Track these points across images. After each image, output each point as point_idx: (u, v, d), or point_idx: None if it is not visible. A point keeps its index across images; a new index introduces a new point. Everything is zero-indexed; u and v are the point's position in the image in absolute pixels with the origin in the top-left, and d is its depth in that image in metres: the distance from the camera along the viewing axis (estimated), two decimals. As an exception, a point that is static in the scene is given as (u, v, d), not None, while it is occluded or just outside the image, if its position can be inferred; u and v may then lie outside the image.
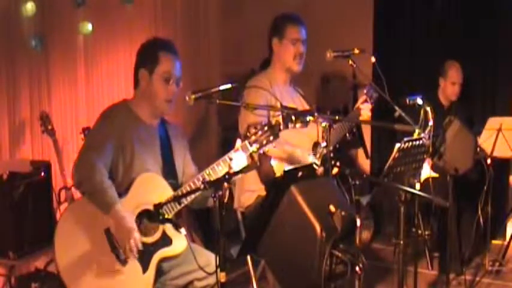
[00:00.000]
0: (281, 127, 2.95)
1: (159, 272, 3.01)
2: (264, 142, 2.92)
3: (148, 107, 3.09)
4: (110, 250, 2.86)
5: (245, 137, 2.93)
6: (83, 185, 2.88)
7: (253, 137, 2.92)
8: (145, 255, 2.91)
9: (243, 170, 2.73)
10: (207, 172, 2.97)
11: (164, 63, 3.04)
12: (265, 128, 2.92)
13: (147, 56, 3.08)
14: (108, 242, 2.86)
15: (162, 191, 2.99)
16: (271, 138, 2.92)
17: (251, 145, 2.91)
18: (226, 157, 2.96)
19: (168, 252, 2.97)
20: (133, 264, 2.88)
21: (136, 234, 2.86)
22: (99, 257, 2.84)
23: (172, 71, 3.06)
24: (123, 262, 2.86)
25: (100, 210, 2.84)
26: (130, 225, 2.85)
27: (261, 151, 2.93)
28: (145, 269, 2.90)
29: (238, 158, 2.92)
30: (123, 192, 2.94)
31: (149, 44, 3.16)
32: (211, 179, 2.83)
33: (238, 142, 2.97)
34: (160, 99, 3.05)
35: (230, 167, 2.86)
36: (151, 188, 2.98)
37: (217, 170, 2.96)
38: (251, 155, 2.90)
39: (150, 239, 2.94)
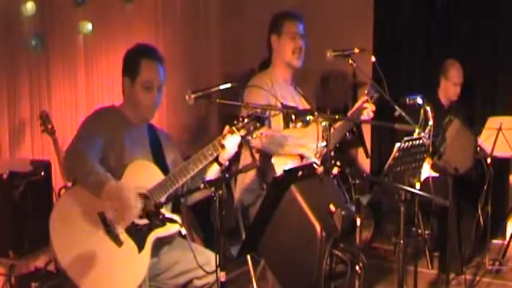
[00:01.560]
0: (269, 116, 3.01)
1: (154, 253, 3.02)
2: (251, 128, 2.99)
3: (134, 111, 3.14)
4: (105, 232, 2.86)
5: (232, 124, 2.99)
6: (75, 171, 2.88)
7: (240, 124, 2.99)
8: (140, 236, 2.93)
9: (244, 169, 2.74)
10: (197, 157, 3.00)
11: (145, 72, 3.07)
12: (253, 116, 3.00)
13: (129, 65, 3.12)
14: (103, 224, 2.86)
15: (154, 176, 3.02)
16: (258, 125, 2.98)
17: (238, 130, 2.99)
18: (216, 142, 3.00)
19: (162, 232, 2.98)
20: (129, 244, 2.90)
21: (136, 205, 2.87)
22: (95, 241, 2.84)
23: (153, 80, 3.09)
24: (119, 243, 2.87)
25: (95, 193, 2.82)
26: (128, 193, 2.83)
27: (249, 138, 2.98)
28: (141, 248, 2.92)
29: (230, 142, 2.97)
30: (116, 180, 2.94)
31: (131, 52, 3.18)
32: (201, 166, 2.93)
33: (226, 129, 3.00)
34: (142, 106, 3.10)
35: (223, 147, 2.97)
36: (143, 173, 3.01)
37: (207, 154, 3.00)
38: (243, 140, 2.96)
39: (144, 221, 2.95)
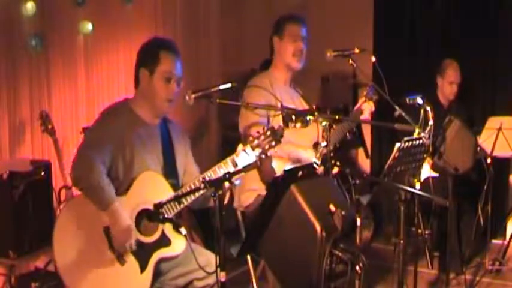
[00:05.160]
0: (283, 132, 2.95)
1: (158, 273, 3.01)
2: (266, 147, 2.92)
3: (148, 106, 3.08)
4: (108, 248, 2.86)
5: (247, 142, 2.94)
6: (81, 182, 2.87)
7: (255, 142, 2.92)
8: (143, 255, 2.91)
9: (244, 170, 2.73)
10: (208, 175, 2.96)
11: (165, 63, 3.03)
12: (268, 133, 2.92)
13: (148, 55, 3.06)
14: (107, 240, 2.85)
15: (163, 191, 2.98)
16: (273, 143, 2.92)
17: (253, 150, 2.92)
18: (228, 161, 2.96)
19: (167, 252, 2.97)
20: (132, 263, 2.88)
21: (133, 234, 2.86)
22: (98, 255, 2.84)
23: (173, 71, 3.04)
24: (122, 261, 2.86)
25: (97, 208, 2.83)
26: (127, 224, 2.85)
27: (263, 156, 2.93)
28: (143, 268, 2.90)
29: (243, 161, 2.92)
30: (123, 191, 2.94)
31: (150, 43, 3.15)
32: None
33: (240, 147, 2.96)
34: (160, 98, 3.04)
35: (236, 167, 2.90)
36: (152, 187, 2.98)
37: (219, 172, 2.95)
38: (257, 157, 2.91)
39: (149, 239, 2.94)
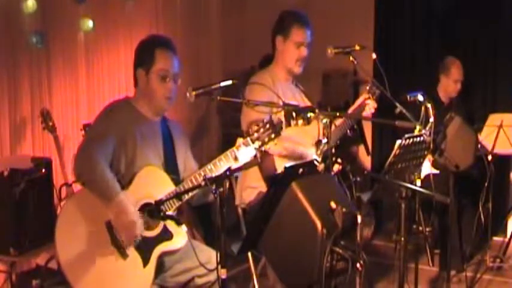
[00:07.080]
0: (283, 125, 2.95)
1: (161, 268, 3.01)
2: (266, 139, 2.92)
3: (148, 104, 3.09)
4: (111, 243, 2.86)
5: (247, 134, 2.93)
6: (84, 175, 2.87)
7: (255, 134, 2.93)
8: (146, 249, 2.91)
9: (244, 167, 2.73)
10: (209, 168, 2.97)
11: (160, 61, 3.04)
12: (267, 126, 2.92)
13: (144, 55, 3.08)
14: (109, 234, 2.85)
15: (164, 185, 2.99)
16: (273, 135, 2.92)
17: (253, 142, 2.92)
18: (228, 154, 2.96)
19: (169, 246, 2.97)
20: (134, 257, 2.89)
21: (139, 227, 2.86)
22: (100, 250, 2.84)
23: (168, 69, 3.05)
24: (124, 255, 2.86)
25: (101, 201, 2.83)
26: (133, 218, 2.85)
27: (263, 149, 2.93)
28: (146, 262, 2.90)
29: (243, 154, 2.93)
30: (124, 185, 2.93)
31: (145, 42, 3.16)
32: (213, 175, 2.83)
33: (240, 140, 2.96)
34: (159, 97, 3.05)
35: (236, 160, 2.90)
36: (153, 182, 2.98)
37: (219, 165, 2.95)
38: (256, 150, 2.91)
39: (151, 233, 2.94)
